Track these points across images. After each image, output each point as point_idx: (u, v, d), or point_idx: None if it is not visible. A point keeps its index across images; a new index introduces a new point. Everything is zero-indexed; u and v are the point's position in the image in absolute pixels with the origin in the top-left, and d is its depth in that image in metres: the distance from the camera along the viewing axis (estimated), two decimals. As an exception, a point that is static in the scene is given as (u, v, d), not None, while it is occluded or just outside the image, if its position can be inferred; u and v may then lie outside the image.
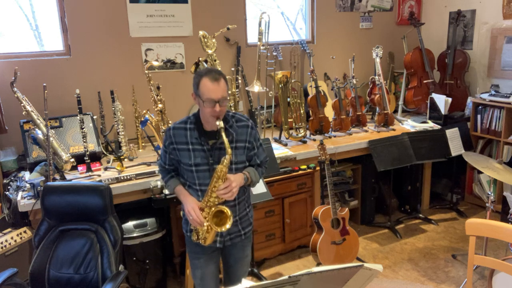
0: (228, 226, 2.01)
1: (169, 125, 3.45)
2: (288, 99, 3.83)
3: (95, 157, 3.25)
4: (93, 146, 3.29)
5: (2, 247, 2.60)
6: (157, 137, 3.49)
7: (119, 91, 3.56)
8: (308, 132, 3.98)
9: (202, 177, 2.07)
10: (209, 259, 2.25)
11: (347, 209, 3.33)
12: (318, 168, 3.59)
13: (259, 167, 2.23)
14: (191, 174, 2.10)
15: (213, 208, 2.03)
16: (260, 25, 3.72)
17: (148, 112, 3.45)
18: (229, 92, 3.65)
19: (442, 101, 4.28)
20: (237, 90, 3.84)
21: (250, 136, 2.13)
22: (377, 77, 4.26)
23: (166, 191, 2.93)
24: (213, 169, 2.03)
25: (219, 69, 3.34)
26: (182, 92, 3.98)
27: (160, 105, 3.43)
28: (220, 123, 1.96)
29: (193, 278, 2.33)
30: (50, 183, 2.56)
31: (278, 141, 3.85)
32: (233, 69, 4.08)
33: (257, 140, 2.19)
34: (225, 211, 2.03)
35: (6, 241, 2.64)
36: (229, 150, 1.97)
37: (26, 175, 3.09)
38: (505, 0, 4.39)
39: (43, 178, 2.76)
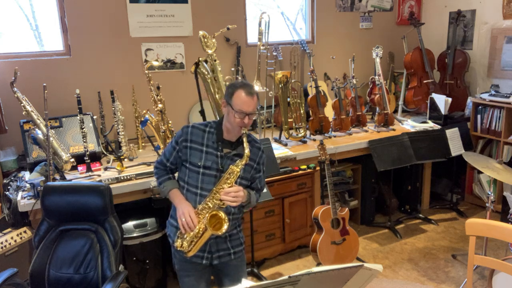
0: (225, 227, 1.98)
1: (170, 125, 3.46)
2: (288, 99, 3.83)
3: (95, 157, 3.25)
4: (93, 146, 3.29)
5: (2, 247, 2.60)
6: (157, 137, 3.49)
7: (119, 91, 3.56)
8: (308, 132, 3.98)
9: (207, 181, 2.05)
10: (200, 277, 2.21)
11: (347, 209, 3.33)
12: (318, 168, 3.59)
13: (256, 192, 2.24)
14: (196, 175, 2.07)
15: (208, 213, 2.01)
16: (260, 25, 3.72)
17: (148, 112, 3.45)
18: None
19: (442, 101, 4.28)
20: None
21: (260, 158, 2.18)
22: (377, 77, 4.26)
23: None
24: (219, 176, 2.05)
25: (219, 69, 3.35)
26: (182, 92, 3.98)
27: (160, 105, 3.42)
28: (245, 130, 2.03)
29: None
30: (50, 183, 2.55)
31: (278, 141, 3.85)
32: (233, 69, 4.08)
33: (264, 165, 2.23)
34: (220, 214, 2.01)
35: (6, 241, 2.64)
36: (247, 152, 2.00)
37: (26, 175, 3.09)
38: (505, 0, 4.39)
39: (43, 178, 2.76)
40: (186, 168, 2.11)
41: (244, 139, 2.03)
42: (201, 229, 2.01)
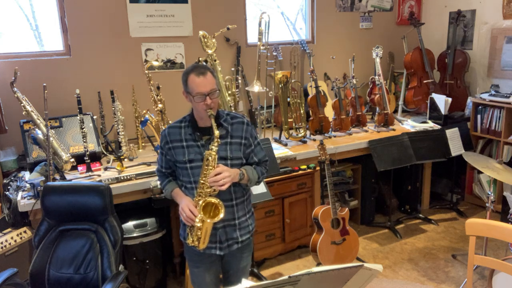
0: (221, 215, 1.97)
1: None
2: (288, 99, 3.83)
3: (95, 157, 3.25)
4: (93, 146, 3.29)
5: (2, 247, 2.60)
6: (157, 137, 3.49)
7: (119, 91, 3.56)
8: (308, 132, 3.98)
9: (197, 174, 2.05)
10: (208, 268, 2.22)
11: (347, 209, 3.33)
12: (318, 168, 3.59)
13: (257, 165, 2.20)
14: (186, 171, 2.08)
15: (201, 202, 1.99)
16: (260, 25, 3.72)
17: (148, 112, 3.45)
18: (229, 92, 3.65)
19: (442, 101, 4.28)
20: (237, 90, 3.84)
21: (246, 132, 2.12)
22: (377, 77, 4.26)
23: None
24: None
25: (219, 69, 3.35)
26: (182, 92, 3.97)
27: (160, 105, 3.43)
28: (211, 111, 1.99)
29: (193, 285, 2.32)
30: (50, 183, 2.55)
31: (278, 141, 3.85)
32: (233, 69, 4.08)
33: (254, 137, 2.17)
34: (214, 201, 1.99)
35: (6, 241, 2.64)
36: (216, 134, 1.96)
37: (26, 175, 3.09)
38: (505, 0, 4.39)
39: (43, 178, 2.76)
40: (178, 168, 2.13)
41: (212, 121, 1.98)
42: (200, 221, 2.00)
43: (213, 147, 1.98)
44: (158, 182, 2.25)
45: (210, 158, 1.97)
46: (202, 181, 1.99)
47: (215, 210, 2.02)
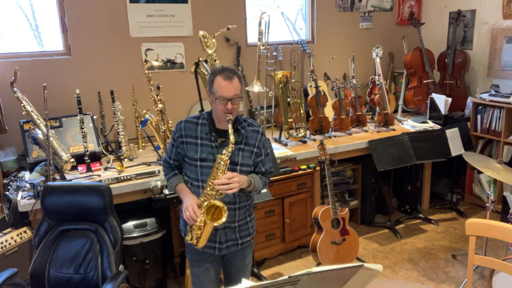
0: (223, 219, 1.97)
1: (170, 125, 3.46)
2: (288, 99, 3.83)
3: (95, 157, 3.25)
4: (93, 146, 3.29)
5: (2, 247, 2.60)
6: (157, 137, 3.49)
7: (119, 91, 3.56)
8: (308, 132, 3.98)
9: (206, 173, 2.05)
10: (209, 268, 2.23)
11: (347, 209, 3.33)
12: (318, 168, 3.59)
13: (263, 176, 2.21)
14: (195, 169, 2.08)
15: (206, 202, 2.00)
16: (260, 25, 3.72)
17: (148, 112, 3.45)
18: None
19: (442, 101, 4.28)
20: (237, 90, 3.83)
21: (259, 142, 2.14)
22: (377, 77, 4.26)
23: (166, 191, 2.93)
24: None
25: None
26: (182, 92, 3.98)
27: (160, 105, 3.42)
28: (230, 116, 1.99)
29: (193, 285, 2.32)
30: (50, 183, 2.55)
31: (278, 141, 3.85)
32: (233, 69, 4.07)
33: (265, 147, 2.19)
34: (219, 204, 1.99)
35: (6, 241, 2.64)
36: (232, 139, 1.97)
37: (26, 175, 3.09)
38: (505, 0, 4.39)
39: (43, 178, 2.76)
40: (187, 163, 2.13)
41: (229, 126, 1.98)
42: (202, 222, 2.01)
43: (226, 152, 1.98)
44: (160, 176, 2.23)
45: (222, 162, 1.98)
46: (210, 183, 2.00)
47: (218, 213, 2.02)
